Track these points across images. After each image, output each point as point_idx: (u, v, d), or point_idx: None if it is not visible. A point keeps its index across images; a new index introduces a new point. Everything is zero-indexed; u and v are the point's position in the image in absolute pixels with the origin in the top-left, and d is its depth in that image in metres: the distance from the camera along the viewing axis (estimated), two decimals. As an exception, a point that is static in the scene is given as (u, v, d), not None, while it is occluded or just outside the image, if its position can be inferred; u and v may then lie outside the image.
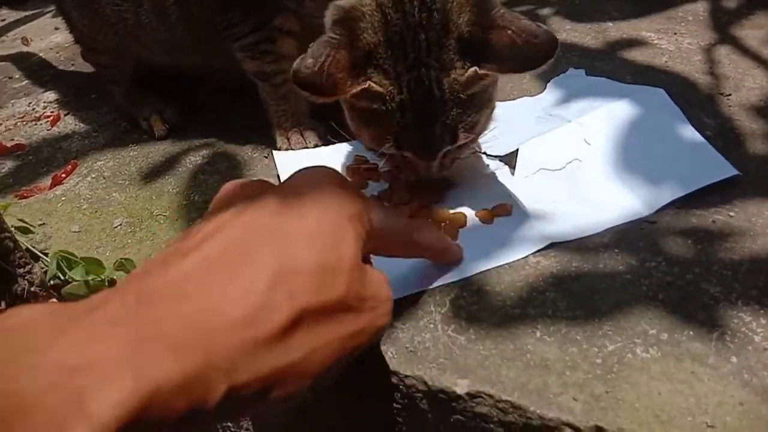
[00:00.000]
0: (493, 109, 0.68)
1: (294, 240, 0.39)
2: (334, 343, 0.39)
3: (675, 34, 1.00)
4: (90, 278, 0.67)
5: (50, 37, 1.58)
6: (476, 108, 0.64)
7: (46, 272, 0.69)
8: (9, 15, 1.86)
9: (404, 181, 0.70)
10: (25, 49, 1.53)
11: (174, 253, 0.37)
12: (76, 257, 0.68)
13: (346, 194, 0.44)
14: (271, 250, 0.37)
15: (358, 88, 0.60)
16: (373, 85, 0.61)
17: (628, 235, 0.63)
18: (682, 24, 1.04)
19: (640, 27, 1.03)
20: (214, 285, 0.35)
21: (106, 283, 0.69)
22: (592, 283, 0.59)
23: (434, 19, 0.60)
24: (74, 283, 0.66)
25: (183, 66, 0.99)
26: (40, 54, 1.47)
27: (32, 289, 0.66)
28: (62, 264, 0.67)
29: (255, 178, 0.49)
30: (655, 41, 0.99)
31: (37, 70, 1.38)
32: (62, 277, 0.69)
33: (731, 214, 0.65)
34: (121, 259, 0.69)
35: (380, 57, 0.61)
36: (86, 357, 0.29)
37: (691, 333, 0.53)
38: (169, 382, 0.30)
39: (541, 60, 0.57)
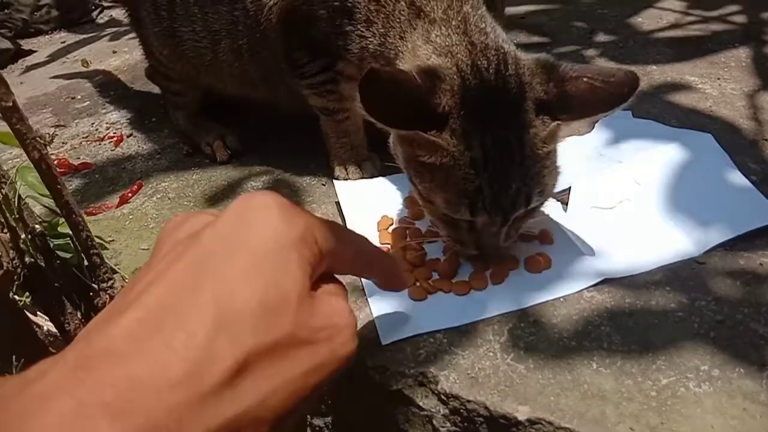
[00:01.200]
0: (558, 176, 0.69)
1: (232, 279, 0.36)
2: (292, 382, 0.36)
3: (718, 79, 1.04)
4: (166, 295, 0.71)
5: (108, 60, 1.66)
6: (548, 170, 0.66)
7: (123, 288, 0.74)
8: (68, 37, 1.95)
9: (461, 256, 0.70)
10: (84, 70, 1.61)
11: (113, 310, 0.36)
12: (154, 274, 0.73)
13: (286, 217, 0.40)
14: (209, 294, 0.35)
15: (424, 138, 0.62)
16: (440, 141, 0.63)
17: (679, 274, 0.67)
18: (725, 69, 1.07)
19: (683, 71, 1.07)
20: (153, 342, 0.33)
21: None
22: (646, 319, 0.62)
23: (510, 83, 0.64)
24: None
25: (252, 98, 1.05)
26: (100, 76, 1.54)
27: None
28: (141, 280, 0.72)
29: (198, 210, 0.47)
30: (699, 85, 1.02)
31: (99, 92, 1.45)
32: (139, 293, 0.73)
33: (778, 257, 0.67)
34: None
35: (456, 118, 0.63)
36: None
37: (742, 371, 0.56)
38: None
39: (626, 94, 0.60)
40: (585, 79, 0.62)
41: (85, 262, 0.72)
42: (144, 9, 1.04)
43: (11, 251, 0.66)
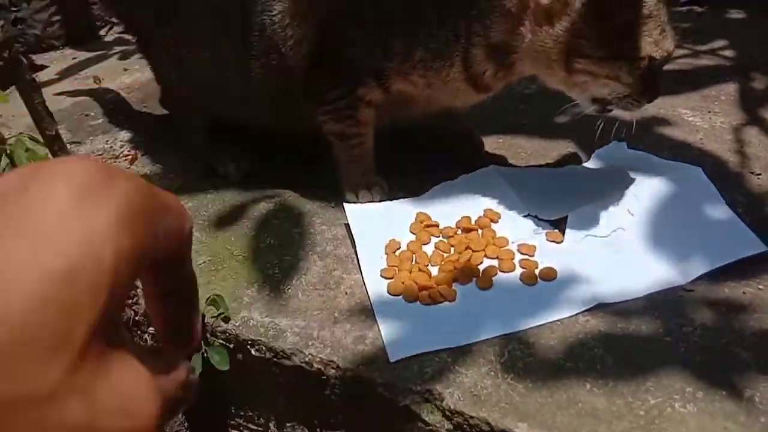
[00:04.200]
0: None
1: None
2: None
3: (709, 112, 1.09)
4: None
5: (120, 78, 1.70)
6: None
7: (146, 304, 0.78)
8: (77, 54, 1.99)
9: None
10: (97, 88, 1.65)
11: None
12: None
13: (85, 202, 0.22)
14: None
15: None
16: None
17: (667, 301, 0.71)
18: (715, 103, 1.13)
19: (675, 104, 1.12)
20: None
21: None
22: (636, 343, 0.67)
23: None
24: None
25: (253, 122, 1.06)
26: (113, 94, 1.58)
27: (137, 318, 0.75)
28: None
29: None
30: (690, 119, 1.08)
31: (112, 110, 1.49)
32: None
33: (760, 287, 0.72)
34: (214, 295, 0.78)
35: None
36: None
37: (724, 393, 0.60)
38: None
39: None
40: None
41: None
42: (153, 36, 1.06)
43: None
